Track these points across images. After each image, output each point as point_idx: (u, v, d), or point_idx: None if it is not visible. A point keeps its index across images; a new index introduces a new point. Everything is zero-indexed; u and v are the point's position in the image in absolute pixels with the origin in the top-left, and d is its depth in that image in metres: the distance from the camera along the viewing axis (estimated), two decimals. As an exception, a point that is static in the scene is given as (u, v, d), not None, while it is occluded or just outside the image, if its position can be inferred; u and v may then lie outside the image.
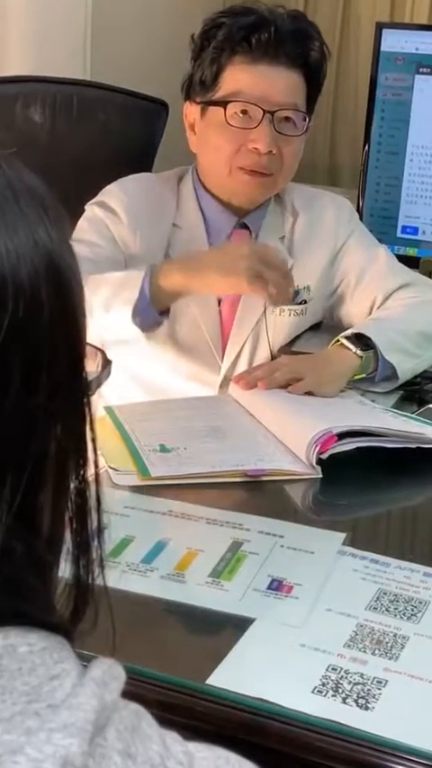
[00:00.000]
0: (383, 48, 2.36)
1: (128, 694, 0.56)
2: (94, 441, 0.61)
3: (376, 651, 0.98)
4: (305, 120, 1.73)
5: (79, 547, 0.62)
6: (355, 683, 0.93)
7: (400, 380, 1.70)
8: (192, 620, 1.06)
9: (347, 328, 1.75)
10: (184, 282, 1.59)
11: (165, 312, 1.64)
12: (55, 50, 2.41)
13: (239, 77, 1.68)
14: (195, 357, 1.80)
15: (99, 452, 0.62)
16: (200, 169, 1.80)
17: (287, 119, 1.71)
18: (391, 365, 1.67)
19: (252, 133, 1.68)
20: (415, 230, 2.39)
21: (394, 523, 1.39)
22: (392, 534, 1.36)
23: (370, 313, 1.83)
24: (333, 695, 0.91)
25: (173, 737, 0.56)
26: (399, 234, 2.40)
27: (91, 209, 1.78)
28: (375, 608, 1.05)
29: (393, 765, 0.86)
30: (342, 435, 1.39)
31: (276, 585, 1.09)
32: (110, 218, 1.76)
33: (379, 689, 0.92)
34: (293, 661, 0.97)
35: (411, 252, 2.37)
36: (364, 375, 1.68)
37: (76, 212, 1.76)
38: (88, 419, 0.60)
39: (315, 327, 1.91)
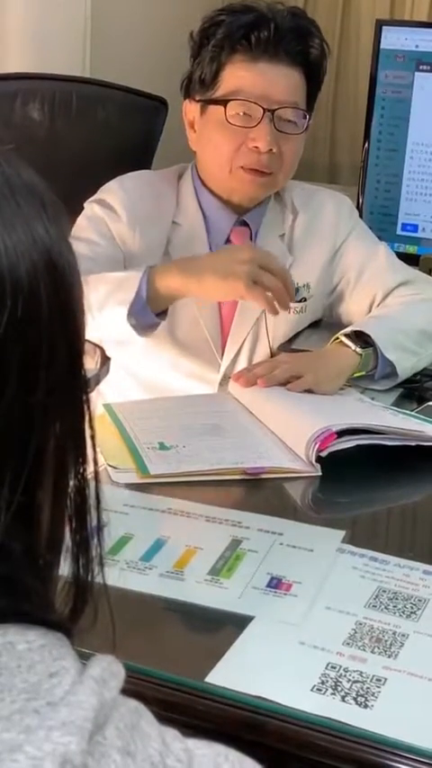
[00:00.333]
0: (383, 45, 2.36)
1: (127, 692, 0.56)
2: (93, 438, 0.61)
3: (375, 649, 0.98)
4: (305, 117, 1.73)
5: (79, 545, 0.62)
6: (355, 681, 0.93)
7: (400, 378, 1.70)
8: (191, 617, 1.06)
9: (347, 326, 1.75)
10: (182, 285, 1.58)
11: (162, 314, 1.63)
12: (54, 47, 2.40)
13: (239, 75, 1.68)
14: (195, 355, 1.80)
15: (98, 450, 0.62)
16: (200, 167, 1.80)
17: (287, 117, 1.70)
18: (390, 363, 1.67)
19: (252, 132, 1.68)
20: (415, 228, 2.39)
21: (393, 521, 1.39)
22: (392, 532, 1.36)
23: (370, 310, 1.83)
24: (332, 693, 0.91)
25: (172, 735, 0.56)
26: (399, 231, 2.40)
27: (90, 206, 1.78)
28: (374, 606, 1.05)
29: (392, 763, 0.86)
30: (342, 433, 1.39)
31: (275, 583, 1.09)
32: (109, 216, 1.76)
33: (378, 687, 0.92)
34: (292, 659, 0.96)
35: (411, 249, 2.37)
36: (363, 373, 1.68)
37: (75, 209, 1.76)
38: (87, 417, 0.60)
39: (315, 325, 1.91)
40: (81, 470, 0.61)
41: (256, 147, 1.68)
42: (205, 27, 1.71)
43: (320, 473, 1.36)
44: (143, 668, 0.92)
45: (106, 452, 1.37)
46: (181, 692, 0.92)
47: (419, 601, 1.07)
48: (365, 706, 0.90)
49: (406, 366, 1.69)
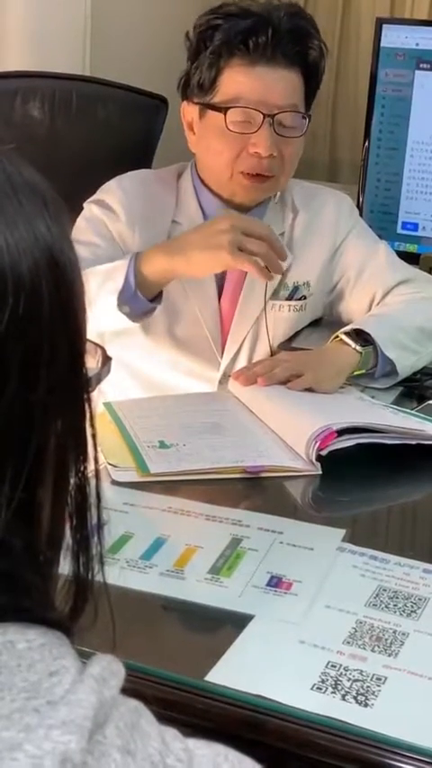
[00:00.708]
0: (384, 43, 2.36)
1: (126, 691, 0.56)
2: (94, 437, 0.61)
3: (376, 648, 0.98)
4: (305, 119, 1.72)
5: (79, 543, 0.62)
6: (355, 680, 0.93)
7: (400, 376, 1.70)
8: (191, 616, 1.06)
9: (347, 324, 1.75)
10: (168, 265, 1.59)
11: (156, 298, 1.63)
12: (54, 46, 2.41)
13: (238, 81, 1.67)
14: (195, 353, 1.80)
15: (98, 449, 0.62)
16: (200, 168, 1.80)
17: (287, 121, 1.70)
18: (390, 361, 1.67)
19: (252, 137, 1.67)
20: (415, 226, 2.39)
21: (394, 520, 1.39)
22: (392, 531, 1.36)
23: (370, 309, 1.83)
24: (332, 692, 0.91)
25: (172, 734, 0.56)
26: (399, 230, 2.40)
27: (89, 207, 1.78)
28: (375, 604, 1.05)
29: (393, 762, 0.86)
30: (342, 432, 1.39)
31: (276, 582, 1.09)
32: (108, 216, 1.76)
33: (378, 686, 0.92)
34: (292, 658, 0.96)
35: (411, 248, 2.37)
36: (363, 371, 1.68)
37: (75, 208, 1.76)
38: (88, 415, 0.60)
39: (315, 323, 1.91)
40: (82, 468, 0.61)
41: (257, 153, 1.68)
42: (202, 30, 1.69)
43: (321, 472, 1.36)
44: (143, 667, 0.92)
45: (106, 451, 1.37)
46: (181, 690, 0.92)
47: (420, 600, 1.07)
48: (366, 705, 0.90)
49: (406, 364, 1.69)
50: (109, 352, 0.67)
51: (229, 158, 1.70)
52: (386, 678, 0.93)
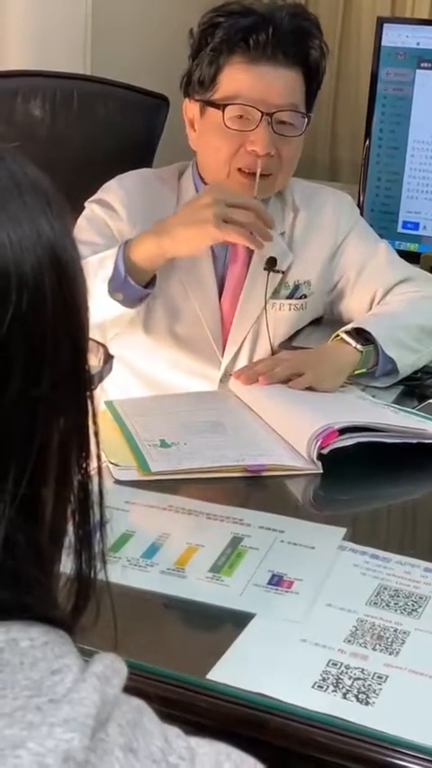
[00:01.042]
0: (384, 42, 2.36)
1: (128, 689, 0.56)
2: (96, 434, 0.61)
3: (377, 646, 0.98)
4: (304, 119, 1.72)
5: (81, 540, 0.62)
6: (356, 679, 0.93)
7: (401, 375, 1.70)
8: (192, 615, 1.06)
9: (348, 323, 1.75)
10: (156, 246, 1.60)
11: (150, 284, 1.64)
12: (55, 45, 2.40)
13: (238, 78, 1.67)
14: (196, 352, 1.80)
15: (101, 447, 0.62)
16: (200, 165, 1.80)
17: (286, 120, 1.70)
18: (391, 360, 1.67)
19: (251, 135, 1.67)
20: (416, 225, 2.39)
21: (395, 519, 1.39)
22: (393, 529, 1.36)
23: (370, 308, 1.82)
24: (333, 690, 0.91)
25: (174, 733, 0.56)
26: (399, 229, 2.40)
27: (90, 206, 1.78)
28: (376, 603, 1.05)
29: (394, 760, 0.86)
30: (343, 431, 1.39)
31: (277, 581, 1.09)
32: (108, 215, 1.76)
33: (379, 684, 0.92)
34: (294, 656, 0.97)
35: (412, 247, 2.37)
36: (364, 370, 1.68)
37: (76, 207, 1.76)
38: (91, 413, 0.60)
39: (316, 323, 1.91)
40: (84, 466, 0.61)
41: (254, 151, 1.68)
42: (204, 28, 1.70)
43: (321, 471, 1.36)
44: (144, 665, 0.92)
45: (107, 449, 1.37)
46: (182, 689, 0.92)
47: (420, 598, 1.07)
48: (367, 703, 0.90)
49: (406, 363, 1.69)
50: (110, 351, 0.67)
51: (226, 155, 1.70)
52: (387, 676, 0.93)
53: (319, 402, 1.54)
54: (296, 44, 1.68)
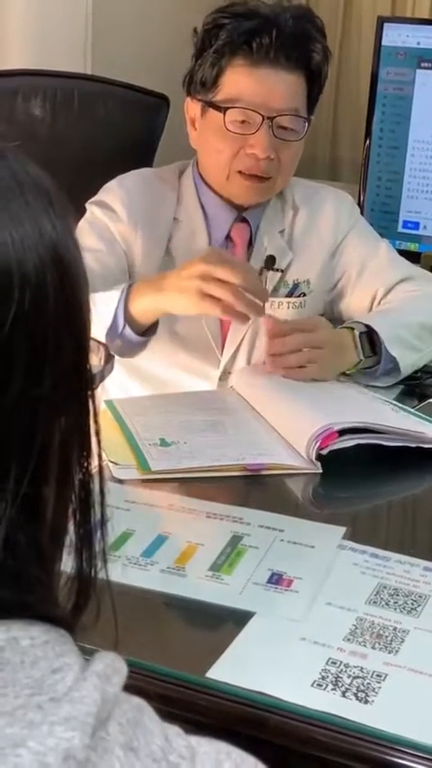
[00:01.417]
0: (385, 42, 2.36)
1: (128, 688, 0.56)
2: (97, 434, 0.61)
3: (376, 645, 0.98)
4: (305, 123, 1.72)
5: (82, 539, 0.62)
6: (355, 677, 0.93)
7: (402, 375, 1.70)
8: (192, 613, 1.06)
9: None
10: (155, 304, 1.57)
11: (149, 330, 1.62)
12: (56, 44, 2.41)
13: (240, 80, 1.67)
14: (195, 351, 1.80)
15: (102, 446, 0.62)
16: (200, 165, 1.79)
17: (286, 125, 1.69)
18: (392, 359, 1.67)
19: (251, 138, 1.67)
20: (416, 225, 2.39)
21: (394, 517, 1.39)
22: (393, 528, 1.36)
23: (371, 307, 1.82)
24: (333, 689, 0.91)
25: (175, 732, 0.56)
26: (400, 229, 2.40)
27: (90, 209, 1.78)
28: (375, 602, 1.05)
29: (393, 759, 0.86)
30: (343, 432, 1.39)
31: (276, 579, 1.09)
32: (109, 216, 1.76)
33: (379, 683, 0.93)
34: (293, 655, 0.97)
35: (412, 247, 2.37)
36: (363, 361, 1.67)
37: (77, 206, 1.75)
38: (92, 412, 0.61)
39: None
40: (85, 465, 0.61)
41: (254, 154, 1.67)
42: (208, 29, 1.69)
43: (321, 470, 1.36)
44: (144, 663, 0.92)
45: (107, 448, 1.37)
46: (182, 687, 0.92)
47: (420, 597, 1.07)
48: (366, 701, 0.90)
49: (408, 362, 1.69)
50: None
51: (227, 157, 1.70)
52: (386, 675, 0.94)
53: (320, 399, 1.53)
54: (299, 48, 1.67)
